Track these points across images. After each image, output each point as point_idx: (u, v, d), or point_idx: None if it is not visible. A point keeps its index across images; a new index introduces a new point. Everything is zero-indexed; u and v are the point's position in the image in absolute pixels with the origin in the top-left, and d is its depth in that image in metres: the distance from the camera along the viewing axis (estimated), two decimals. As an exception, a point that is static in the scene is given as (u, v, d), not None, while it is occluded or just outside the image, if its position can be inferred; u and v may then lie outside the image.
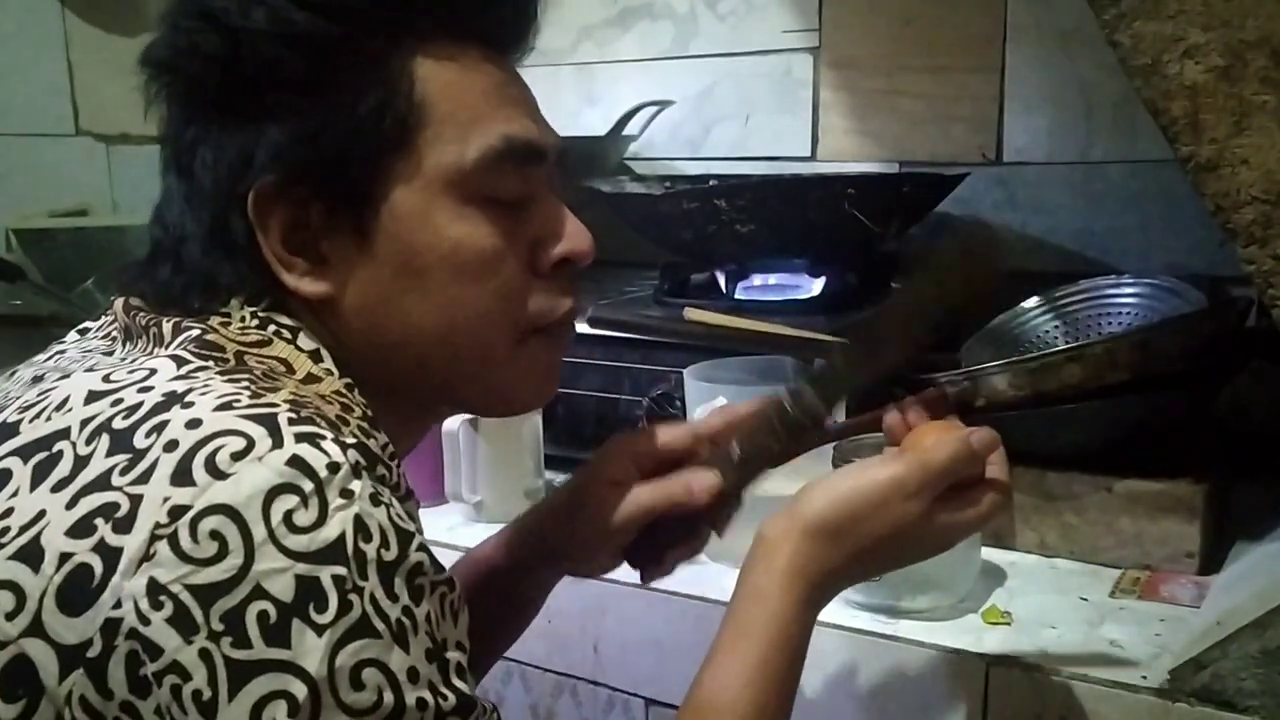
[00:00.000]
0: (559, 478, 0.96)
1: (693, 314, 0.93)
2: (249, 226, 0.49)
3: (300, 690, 0.38)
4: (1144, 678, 0.63)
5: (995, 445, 0.58)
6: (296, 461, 0.40)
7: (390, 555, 0.40)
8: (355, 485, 0.41)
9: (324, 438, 0.41)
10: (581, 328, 0.95)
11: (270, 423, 0.41)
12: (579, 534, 0.64)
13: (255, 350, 0.48)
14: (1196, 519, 0.75)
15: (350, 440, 0.42)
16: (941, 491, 0.56)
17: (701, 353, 0.88)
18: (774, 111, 1.31)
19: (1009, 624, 0.71)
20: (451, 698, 0.42)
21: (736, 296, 1.04)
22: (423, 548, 0.42)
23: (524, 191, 0.54)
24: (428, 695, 0.41)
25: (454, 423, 0.90)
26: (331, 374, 0.49)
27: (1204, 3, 0.56)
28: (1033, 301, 0.99)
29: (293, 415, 0.42)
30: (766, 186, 1.05)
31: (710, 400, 0.80)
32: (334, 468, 0.40)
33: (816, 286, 1.02)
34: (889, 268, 1.12)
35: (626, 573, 0.80)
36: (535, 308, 0.54)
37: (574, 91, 1.42)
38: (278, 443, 0.40)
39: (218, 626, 0.38)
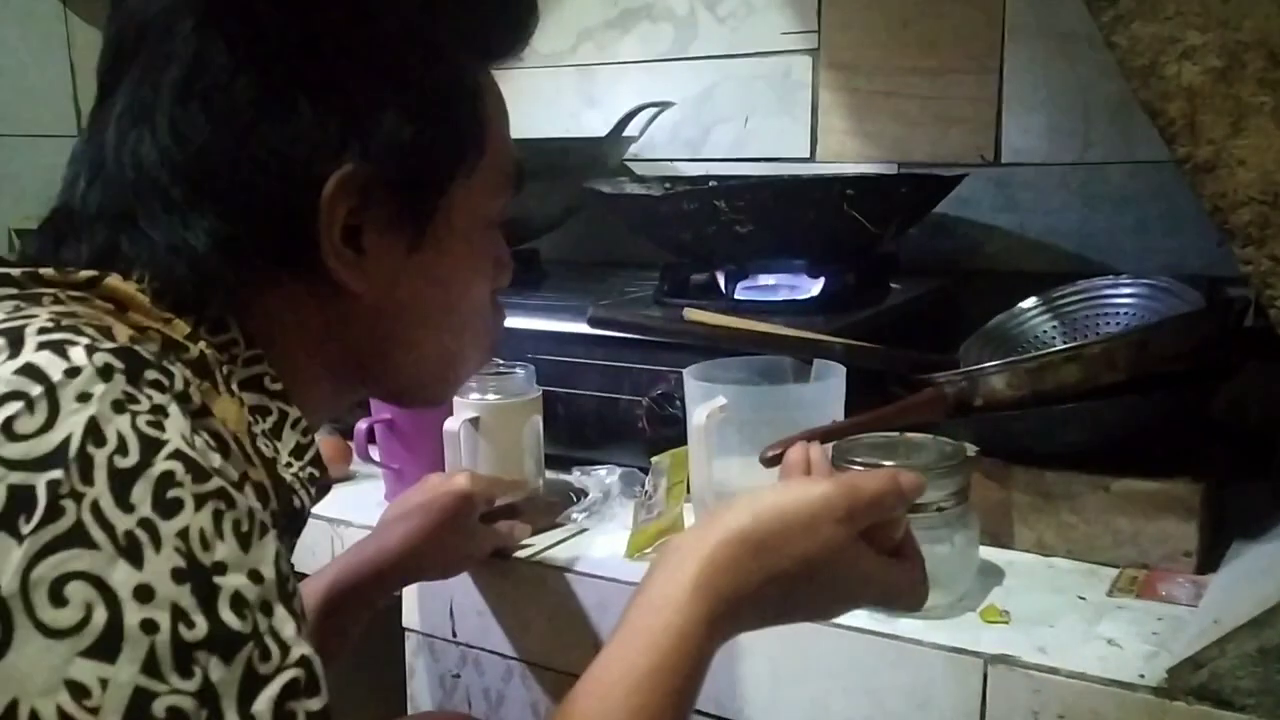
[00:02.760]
0: (559, 477, 0.96)
1: (693, 314, 0.93)
2: (315, 207, 0.47)
3: None
4: (1142, 676, 0.63)
5: (921, 488, 0.54)
6: (29, 369, 0.37)
7: (127, 461, 0.36)
8: (97, 389, 0.37)
9: (74, 344, 0.38)
10: (581, 328, 0.95)
11: (14, 334, 0.38)
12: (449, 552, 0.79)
13: (80, 289, 0.44)
14: (1194, 518, 0.75)
15: (108, 345, 0.38)
16: (864, 531, 0.52)
17: (701, 353, 0.88)
18: (773, 113, 1.31)
19: (1007, 623, 0.71)
20: (203, 626, 0.36)
21: (736, 297, 1.04)
22: (178, 455, 0.37)
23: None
24: (162, 618, 0.35)
25: (454, 423, 0.90)
26: (171, 320, 0.45)
27: (1201, 4, 0.56)
28: (1031, 302, 0.99)
29: (47, 325, 0.38)
30: (766, 187, 1.05)
31: (710, 400, 0.80)
32: (73, 372, 0.37)
33: (816, 287, 1.02)
34: (888, 268, 1.13)
35: (627, 572, 0.80)
36: (495, 328, 0.59)
37: (574, 93, 1.42)
38: (15, 353, 0.37)
39: None
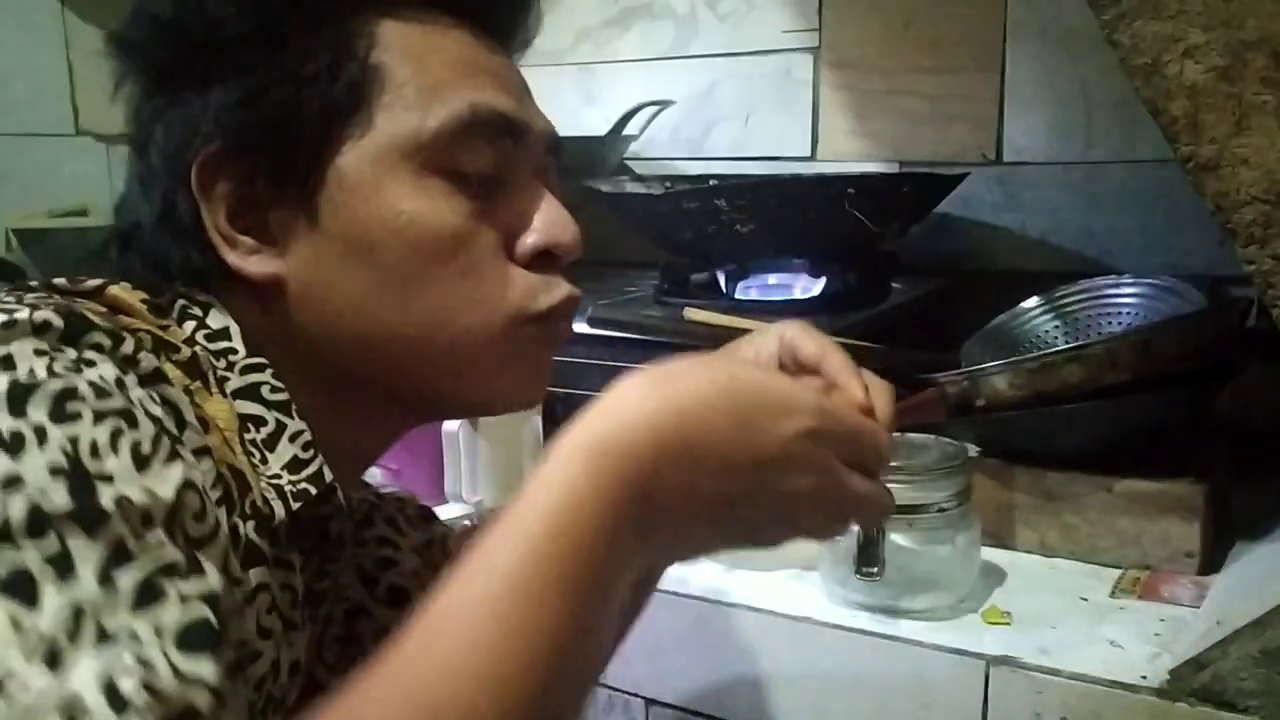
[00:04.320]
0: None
1: (693, 314, 0.93)
2: (195, 203, 0.47)
3: None
4: (1144, 677, 0.63)
5: (891, 425, 0.49)
6: None
7: (29, 380, 0.36)
8: (21, 337, 0.37)
9: (20, 309, 0.38)
10: (581, 328, 0.95)
11: None
12: None
13: (84, 297, 0.44)
14: (1196, 519, 0.75)
15: (52, 304, 0.39)
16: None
17: (701, 353, 0.88)
18: (774, 111, 1.31)
19: (1009, 624, 0.71)
20: (67, 503, 0.34)
21: (736, 296, 1.04)
22: (89, 382, 0.37)
23: (496, 169, 0.50)
24: (27, 498, 0.34)
25: (454, 423, 0.90)
26: (168, 326, 0.46)
27: (1204, 3, 0.56)
28: (1033, 301, 0.99)
29: (6, 300, 0.40)
30: (766, 186, 1.05)
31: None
32: (9, 324, 0.37)
33: (816, 286, 1.02)
34: (889, 268, 1.13)
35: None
36: (516, 296, 0.50)
37: (574, 91, 1.42)
38: None
39: None
